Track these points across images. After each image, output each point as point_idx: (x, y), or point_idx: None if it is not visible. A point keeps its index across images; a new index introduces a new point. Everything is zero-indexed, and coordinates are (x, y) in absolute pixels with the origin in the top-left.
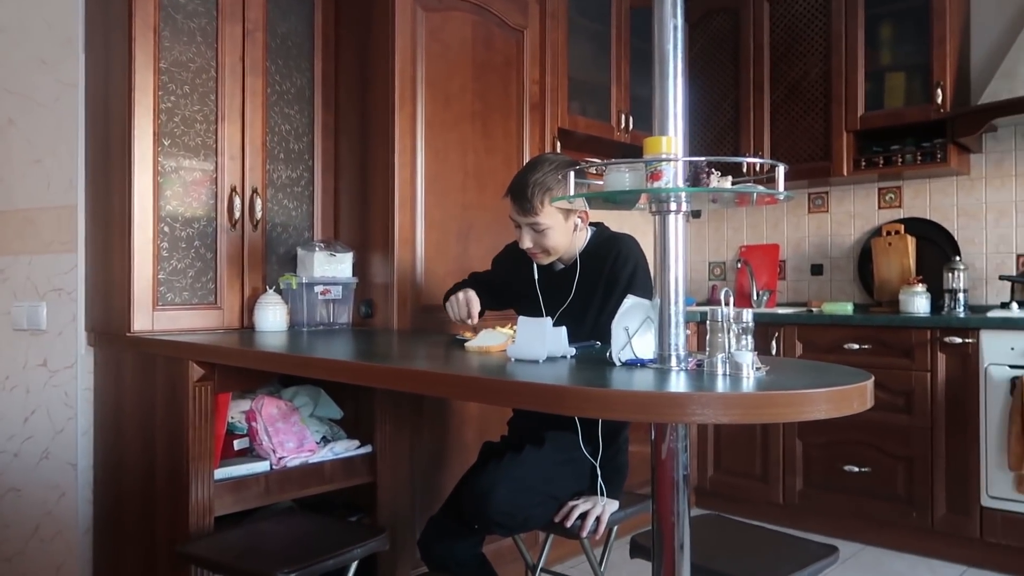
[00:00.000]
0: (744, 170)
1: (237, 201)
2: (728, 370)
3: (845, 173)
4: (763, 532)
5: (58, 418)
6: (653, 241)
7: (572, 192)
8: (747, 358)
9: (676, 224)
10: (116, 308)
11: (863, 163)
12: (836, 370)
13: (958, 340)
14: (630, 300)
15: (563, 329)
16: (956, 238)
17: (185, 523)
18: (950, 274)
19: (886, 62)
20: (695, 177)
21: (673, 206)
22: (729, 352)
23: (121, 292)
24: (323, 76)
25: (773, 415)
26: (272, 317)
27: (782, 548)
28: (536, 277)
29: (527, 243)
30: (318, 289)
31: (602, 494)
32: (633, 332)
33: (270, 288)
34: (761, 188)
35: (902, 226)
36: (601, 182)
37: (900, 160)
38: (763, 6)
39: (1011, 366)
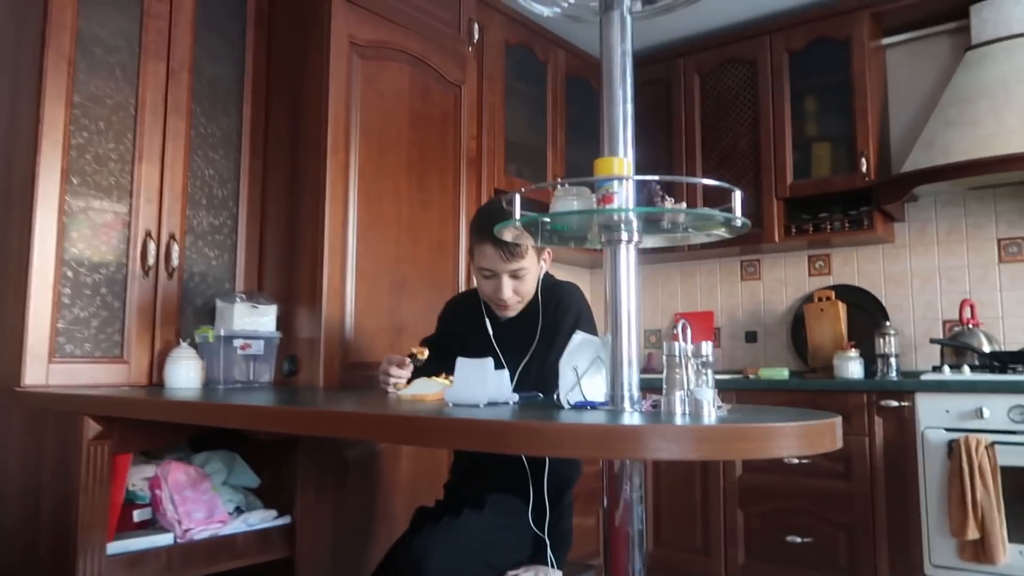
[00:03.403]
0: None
1: (152, 247)
2: (688, 408)
3: (777, 240)
4: None
5: None
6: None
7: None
8: (708, 395)
9: (627, 255)
10: (5, 359)
11: (793, 230)
12: (797, 412)
13: (894, 404)
14: (579, 337)
15: (505, 372)
16: (884, 304)
17: None
18: (881, 339)
19: (812, 133)
20: (648, 202)
21: (624, 236)
22: (688, 389)
23: (13, 341)
24: (252, 121)
25: (744, 450)
26: (184, 373)
27: None
28: (490, 329)
29: (507, 292)
30: (237, 343)
31: (553, 566)
32: (582, 372)
33: (184, 341)
34: (718, 212)
35: (832, 292)
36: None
37: (829, 227)
38: (694, 78)
39: (947, 429)
